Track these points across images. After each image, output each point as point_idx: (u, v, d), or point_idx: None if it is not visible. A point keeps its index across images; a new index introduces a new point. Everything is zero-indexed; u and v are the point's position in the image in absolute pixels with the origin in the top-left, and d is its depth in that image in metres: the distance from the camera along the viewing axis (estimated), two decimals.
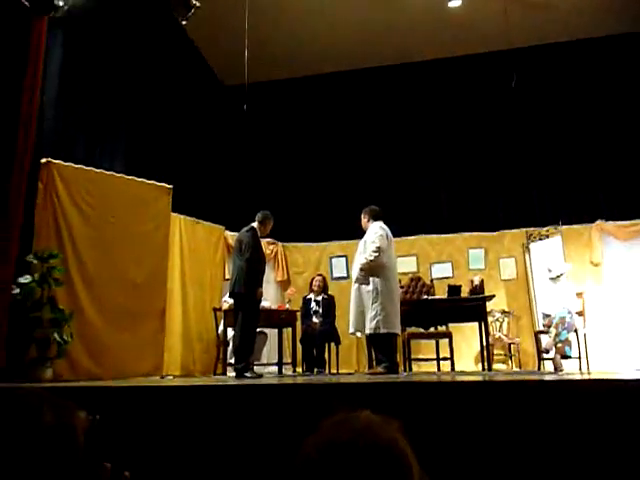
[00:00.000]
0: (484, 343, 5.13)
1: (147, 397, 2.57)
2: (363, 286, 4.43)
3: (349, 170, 7.45)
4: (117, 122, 5.60)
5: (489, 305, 5.53)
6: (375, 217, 4.65)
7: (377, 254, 4.35)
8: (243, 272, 4.40)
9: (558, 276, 5.14)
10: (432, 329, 5.67)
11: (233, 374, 4.67)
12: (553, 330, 5.15)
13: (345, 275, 7.03)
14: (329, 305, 5.88)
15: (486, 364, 5.08)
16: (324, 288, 6.02)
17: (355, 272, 4.54)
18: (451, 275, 6.72)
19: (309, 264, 7.33)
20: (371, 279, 4.39)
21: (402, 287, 5.48)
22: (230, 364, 5.27)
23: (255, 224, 4.68)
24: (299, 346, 5.71)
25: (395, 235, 4.79)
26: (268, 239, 6.89)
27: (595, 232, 6.34)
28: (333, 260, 7.25)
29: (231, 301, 4.93)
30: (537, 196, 6.95)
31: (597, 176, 6.71)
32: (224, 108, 7.56)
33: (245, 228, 4.61)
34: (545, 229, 6.44)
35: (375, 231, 4.49)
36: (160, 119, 6.21)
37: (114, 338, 4.55)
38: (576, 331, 5.28)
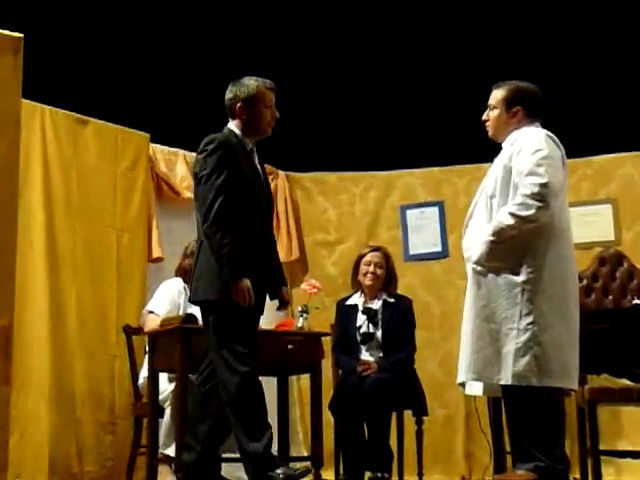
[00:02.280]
0: None
1: None
2: (497, 277, 4.44)
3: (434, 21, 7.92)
4: None
5: None
6: (533, 111, 4.75)
7: (542, 204, 4.34)
8: (208, 255, 4.63)
9: None
10: None
11: (173, 479, 5.17)
12: None
13: (440, 250, 7.47)
14: (399, 320, 6.10)
15: None
16: (387, 280, 6.22)
17: (473, 244, 4.61)
18: None
19: (351, 222, 7.88)
20: (520, 262, 4.44)
21: (579, 278, 5.58)
22: (166, 457, 5.59)
23: (231, 123, 4.89)
24: (329, 419, 5.94)
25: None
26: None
27: None
28: (408, 213, 7.62)
29: (163, 311, 5.68)
30: None
31: None
32: None
33: (207, 138, 4.80)
34: None
35: (537, 146, 4.50)
36: None
37: None
38: None
